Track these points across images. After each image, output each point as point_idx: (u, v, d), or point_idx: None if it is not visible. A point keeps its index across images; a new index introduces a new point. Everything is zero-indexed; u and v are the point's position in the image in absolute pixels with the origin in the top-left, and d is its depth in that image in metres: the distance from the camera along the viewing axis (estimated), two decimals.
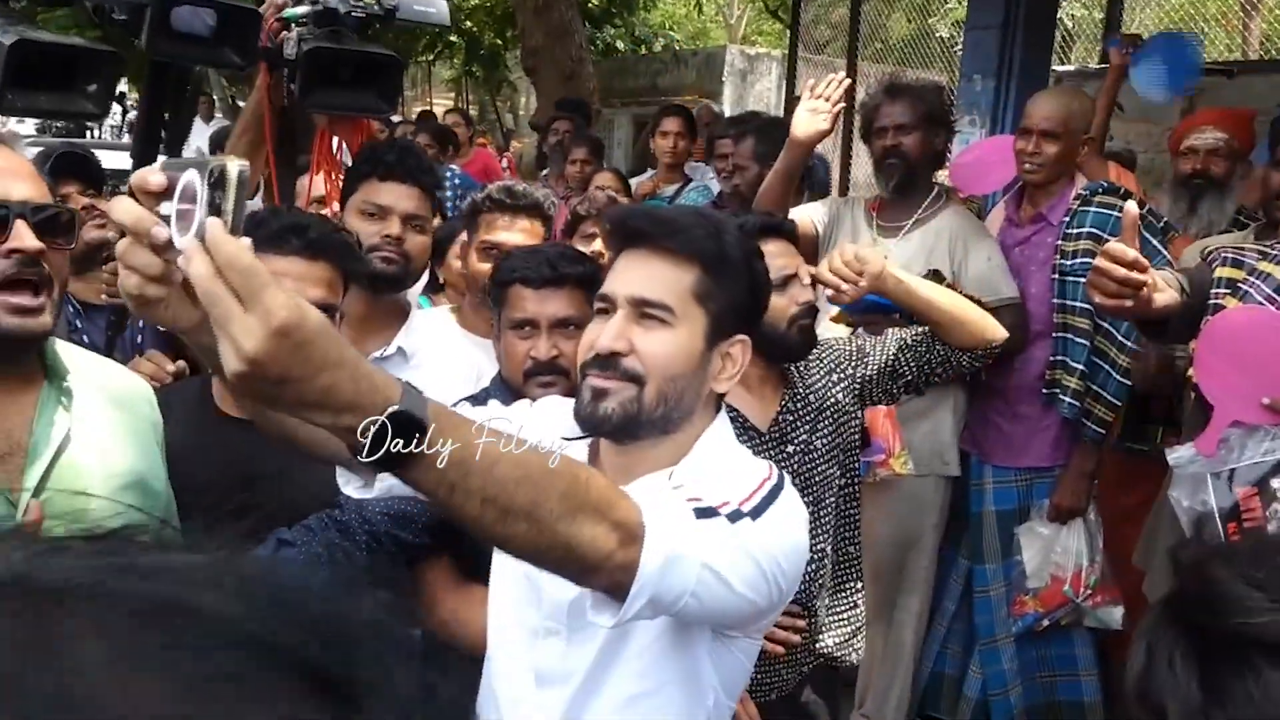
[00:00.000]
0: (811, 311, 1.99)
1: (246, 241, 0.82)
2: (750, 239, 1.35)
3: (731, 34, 17.59)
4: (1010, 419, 2.92)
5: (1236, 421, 2.02)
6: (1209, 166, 3.08)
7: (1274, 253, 2.13)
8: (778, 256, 1.93)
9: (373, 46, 1.88)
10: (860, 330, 2.73)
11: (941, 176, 3.17)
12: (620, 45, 12.78)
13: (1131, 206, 1.95)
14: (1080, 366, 2.74)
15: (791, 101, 9.46)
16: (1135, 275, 1.81)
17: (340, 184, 2.11)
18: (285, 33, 1.87)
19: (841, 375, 2.06)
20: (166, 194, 0.90)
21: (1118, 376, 2.72)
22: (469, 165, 5.99)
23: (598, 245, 2.60)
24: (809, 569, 1.91)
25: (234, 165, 0.84)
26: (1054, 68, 5.84)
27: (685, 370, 1.25)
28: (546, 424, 1.36)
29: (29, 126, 10.74)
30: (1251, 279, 2.09)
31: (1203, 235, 2.83)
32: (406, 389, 0.89)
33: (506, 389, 1.78)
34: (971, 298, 2.70)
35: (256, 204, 2.22)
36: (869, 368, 2.07)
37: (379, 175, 2.03)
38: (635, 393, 1.22)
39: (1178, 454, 2.11)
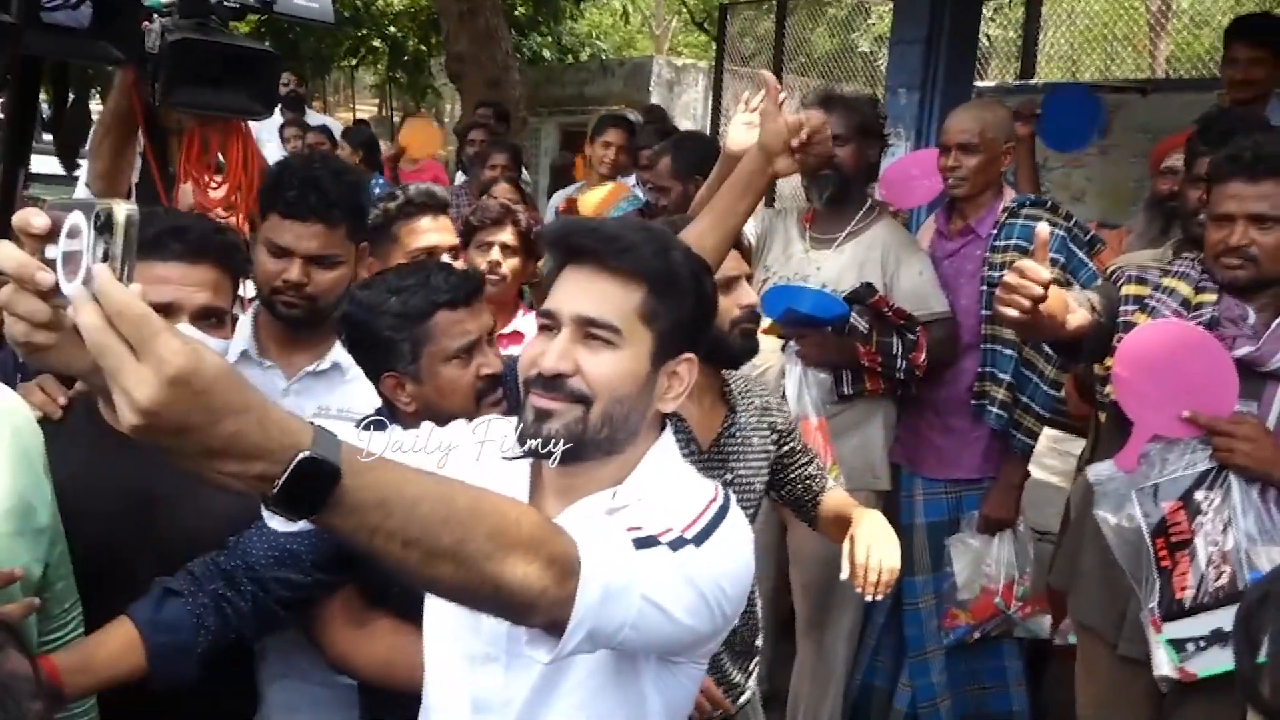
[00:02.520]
0: (754, 316, 1.97)
1: (137, 288, 0.78)
2: (696, 254, 1.31)
3: (658, 45, 17.65)
4: (941, 431, 2.93)
5: (1156, 436, 2.06)
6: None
7: (1175, 269, 2.17)
8: (729, 259, 1.91)
9: (246, 40, 1.72)
10: (791, 352, 2.73)
11: (873, 189, 3.19)
12: (547, 54, 12.72)
13: (1043, 227, 1.97)
14: (1007, 377, 2.77)
15: (718, 113, 9.53)
16: (1035, 289, 1.84)
17: (209, 190, 1.97)
18: (147, 23, 1.69)
19: (769, 422, 2.04)
20: (51, 236, 0.86)
21: (1045, 388, 2.75)
22: (419, 175, 5.87)
23: (495, 255, 2.55)
24: (746, 610, 1.90)
25: (121, 209, 0.81)
26: (975, 83, 5.96)
27: (631, 391, 1.22)
28: (488, 441, 1.32)
29: None
30: (1157, 294, 2.13)
31: None
32: (319, 433, 0.84)
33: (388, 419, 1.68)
34: (903, 312, 2.72)
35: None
36: (779, 449, 2.07)
37: (279, 212, 1.89)
38: (580, 414, 1.19)
39: (1098, 470, 2.14)
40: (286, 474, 0.81)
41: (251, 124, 2.01)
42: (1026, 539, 2.91)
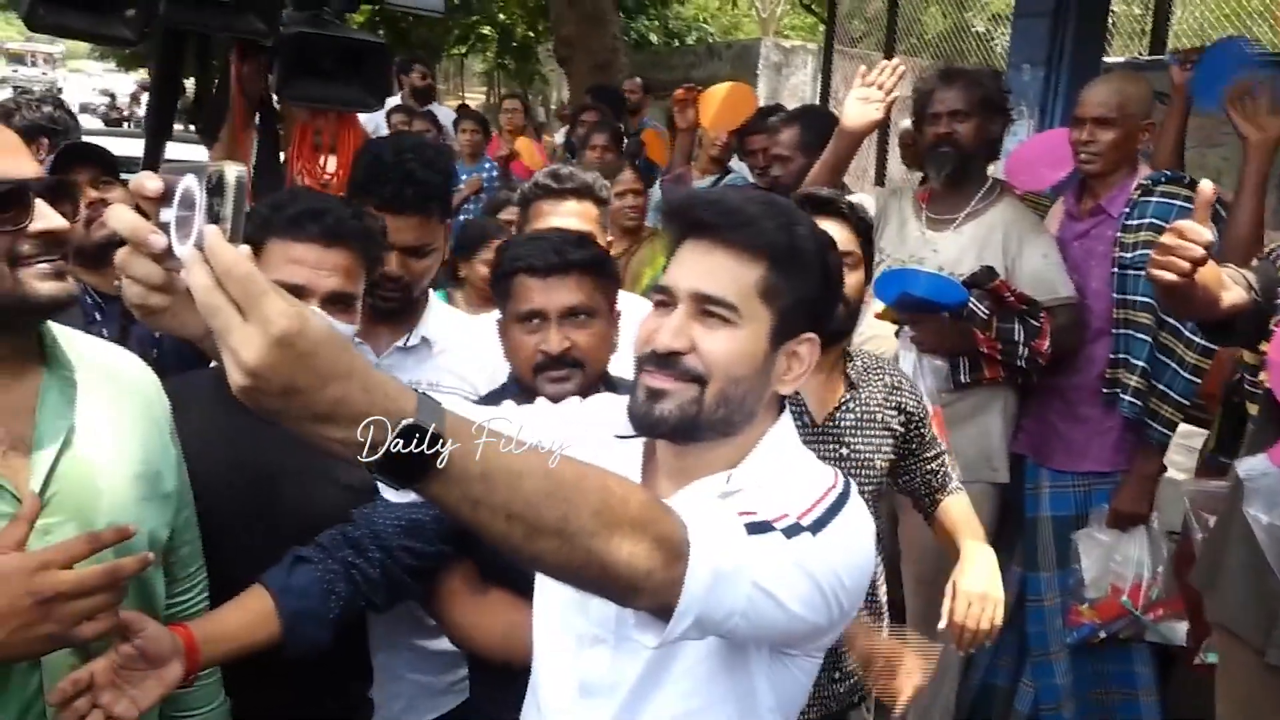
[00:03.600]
0: (851, 299, 1.90)
1: (245, 249, 0.78)
2: (823, 231, 1.24)
3: (764, 27, 17.43)
4: (1070, 421, 2.78)
5: None
6: None
7: None
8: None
9: (359, 33, 1.75)
10: (905, 337, 2.62)
11: (995, 169, 3.04)
12: (654, 38, 12.68)
13: (1206, 184, 1.81)
14: (1141, 364, 2.60)
15: (827, 95, 9.34)
16: (1196, 250, 1.68)
17: (320, 182, 1.96)
18: None
19: (896, 402, 1.98)
20: (165, 199, 0.88)
21: (1185, 375, 2.56)
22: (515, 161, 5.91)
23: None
24: (870, 599, 1.85)
25: (232, 170, 0.81)
26: (1106, 59, 5.68)
27: (748, 371, 1.16)
28: (596, 423, 1.28)
29: None
30: None
31: None
32: (422, 399, 0.82)
33: (520, 388, 1.68)
34: (1025, 297, 2.58)
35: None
36: (907, 430, 2.01)
37: (375, 205, 1.88)
38: (696, 394, 1.14)
39: (1249, 465, 1.98)
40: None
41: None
42: (1160, 537, 2.73)
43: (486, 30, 13.66)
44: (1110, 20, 9.03)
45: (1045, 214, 2.94)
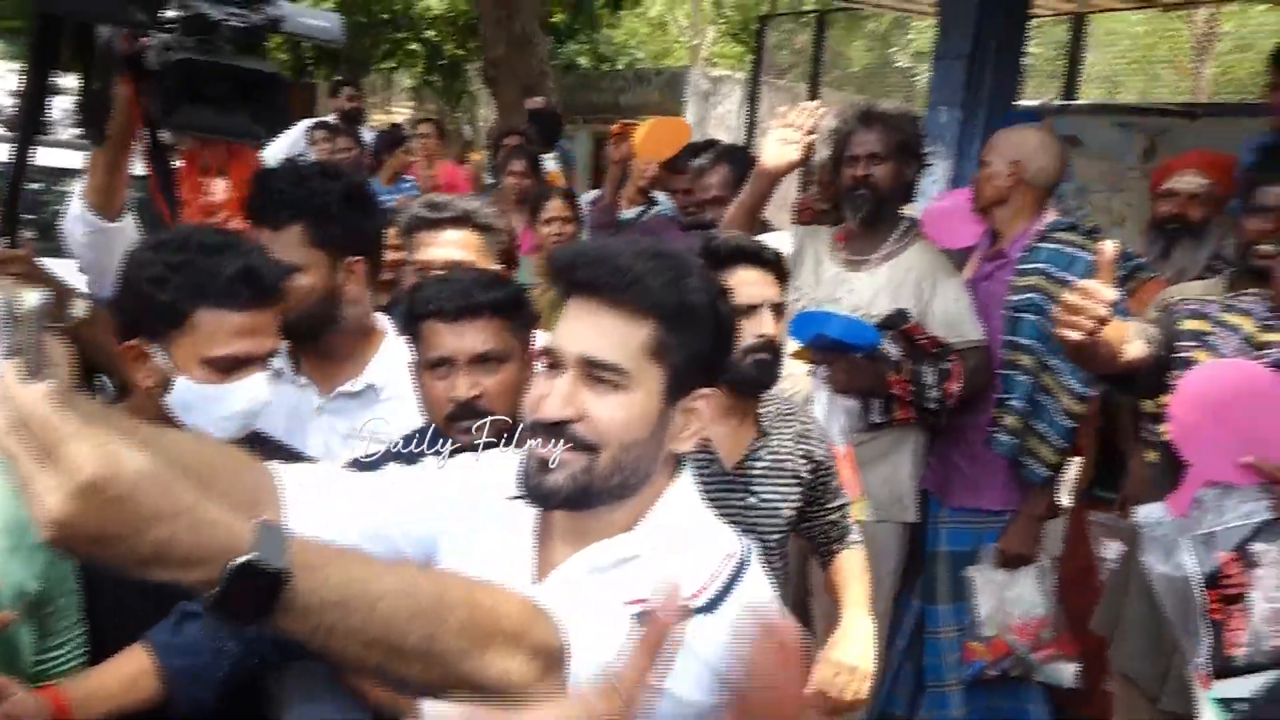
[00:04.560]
0: (770, 347, 1.89)
1: (46, 386, 0.71)
2: (714, 279, 1.21)
3: (694, 55, 17.59)
4: (968, 459, 2.82)
5: (1211, 481, 1.94)
6: (1187, 211, 3.01)
7: (1239, 304, 2.06)
8: (747, 285, 1.86)
9: (251, 61, 1.64)
10: (819, 378, 2.62)
11: (911, 210, 3.07)
12: (583, 61, 12.69)
13: (1109, 244, 1.86)
14: (1019, 404, 2.66)
15: (754, 125, 9.43)
16: (1099, 309, 1.74)
17: (207, 216, 1.86)
18: (145, 39, 1.62)
19: (805, 450, 1.97)
20: None
21: (1061, 418, 2.63)
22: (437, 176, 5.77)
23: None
24: None
25: (28, 298, 0.75)
26: (1018, 102, 5.84)
27: (642, 435, 1.12)
28: (489, 482, 1.23)
29: None
30: (1219, 331, 2.01)
31: (1175, 281, 2.76)
32: (263, 531, 0.76)
33: (442, 437, 1.61)
34: (937, 340, 2.61)
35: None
36: (815, 478, 2.00)
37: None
38: (587, 463, 1.10)
39: (1147, 514, 2.02)
40: (222, 583, 0.74)
41: None
42: (1048, 573, 2.77)
43: (415, 47, 13.52)
44: (1028, 63, 9.33)
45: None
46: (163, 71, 1.59)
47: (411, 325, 1.63)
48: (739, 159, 3.34)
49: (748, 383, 1.90)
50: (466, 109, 16.33)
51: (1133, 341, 1.97)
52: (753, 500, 1.89)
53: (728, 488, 1.88)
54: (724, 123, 10.78)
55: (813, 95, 8.37)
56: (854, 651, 1.87)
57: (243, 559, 0.74)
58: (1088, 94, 9.10)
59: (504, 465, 1.24)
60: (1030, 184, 2.74)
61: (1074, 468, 3.27)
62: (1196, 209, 3.02)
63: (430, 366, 1.60)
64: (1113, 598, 2.30)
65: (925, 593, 2.94)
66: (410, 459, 1.36)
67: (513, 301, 1.61)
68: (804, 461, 1.97)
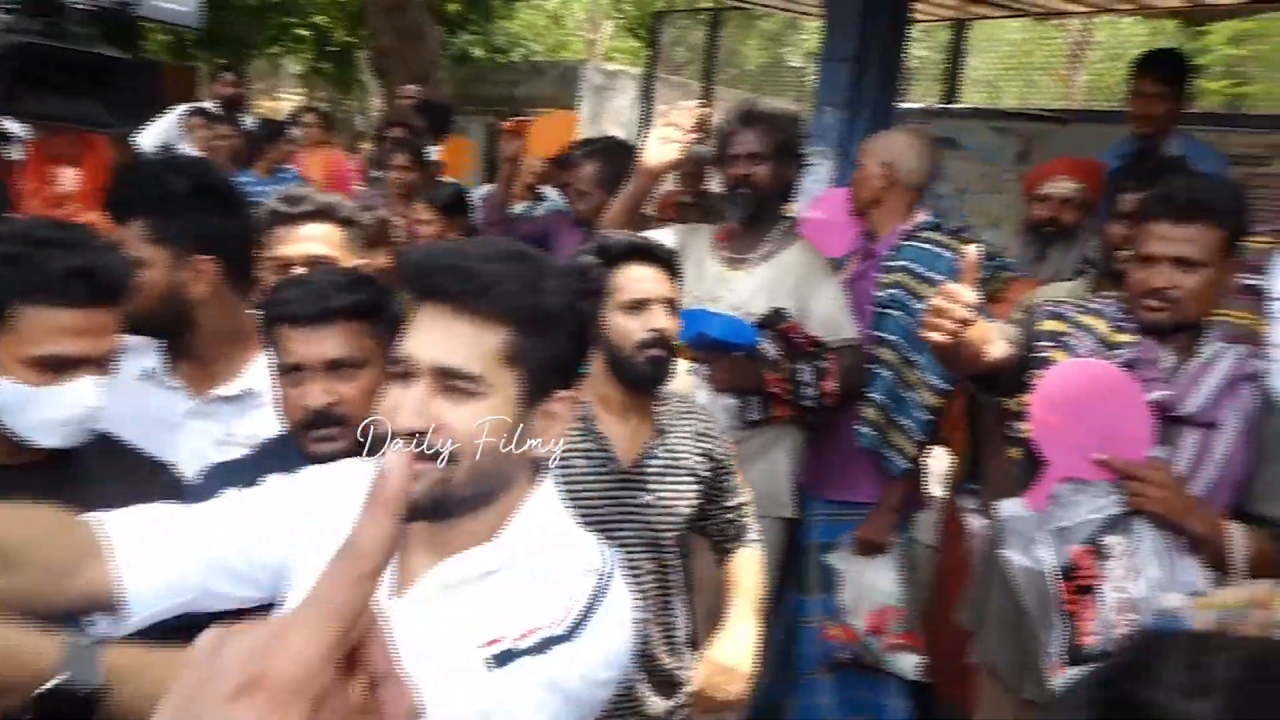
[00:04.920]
0: (663, 342, 1.89)
1: None
2: (574, 279, 1.20)
3: (591, 49, 17.54)
4: (840, 453, 2.88)
5: (1068, 477, 2.01)
6: (1060, 215, 3.11)
7: (1094, 306, 2.14)
8: (639, 281, 1.87)
9: (101, 46, 1.55)
10: (699, 376, 2.63)
11: (792, 209, 3.12)
12: (478, 53, 12.51)
13: (972, 250, 1.92)
14: (879, 397, 2.73)
15: (648, 120, 9.46)
16: (961, 312, 1.79)
17: (54, 207, 1.77)
18: None
19: (704, 448, 1.99)
20: None
21: (920, 412, 2.71)
22: (315, 168, 5.59)
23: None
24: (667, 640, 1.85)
25: None
26: (900, 104, 5.98)
27: (500, 442, 1.10)
28: (346, 492, 1.19)
29: None
30: (1075, 332, 2.09)
31: (1049, 281, 2.86)
32: (73, 651, 0.75)
33: (292, 448, 1.55)
34: (814, 339, 2.65)
35: None
36: (714, 477, 2.01)
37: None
38: (443, 474, 1.08)
39: (1007, 509, 2.08)
40: (35, 707, 0.73)
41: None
42: (905, 567, 2.85)
43: (302, 32, 13.13)
44: (911, 67, 9.56)
45: None
46: (3, 56, 1.49)
47: (267, 330, 1.56)
48: (614, 155, 3.33)
49: (642, 379, 1.90)
50: (359, 98, 15.96)
51: (995, 342, 2.03)
52: (649, 499, 1.89)
53: (623, 486, 1.88)
54: (618, 118, 10.78)
55: (706, 92, 8.44)
56: (734, 653, 1.89)
57: (53, 683, 0.72)
58: (971, 98, 9.38)
59: (357, 476, 1.21)
60: (903, 184, 2.81)
61: (947, 461, 3.38)
62: (1069, 213, 3.14)
63: (283, 373, 1.53)
64: (975, 591, 2.37)
65: (800, 584, 3.00)
66: (259, 476, 1.30)
67: (372, 304, 1.55)
68: (702, 459, 1.98)
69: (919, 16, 5.90)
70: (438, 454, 1.07)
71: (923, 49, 10.26)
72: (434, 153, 5.37)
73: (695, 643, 3.05)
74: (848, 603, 2.83)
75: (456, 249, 1.13)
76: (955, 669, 2.79)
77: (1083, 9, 5.95)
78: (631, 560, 1.81)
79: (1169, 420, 1.98)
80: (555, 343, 1.13)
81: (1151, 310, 1.99)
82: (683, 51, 12.87)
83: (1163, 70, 3.67)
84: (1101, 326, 2.08)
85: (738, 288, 2.76)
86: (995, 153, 5.43)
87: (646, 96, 9.53)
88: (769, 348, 2.59)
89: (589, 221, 3.22)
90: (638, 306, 1.86)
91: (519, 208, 4.48)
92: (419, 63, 7.78)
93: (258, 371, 1.83)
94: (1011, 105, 7.52)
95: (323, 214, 2.01)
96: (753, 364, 2.60)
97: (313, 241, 1.97)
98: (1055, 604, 2.00)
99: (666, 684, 1.94)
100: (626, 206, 2.55)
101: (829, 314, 2.71)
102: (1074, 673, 1.97)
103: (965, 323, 1.79)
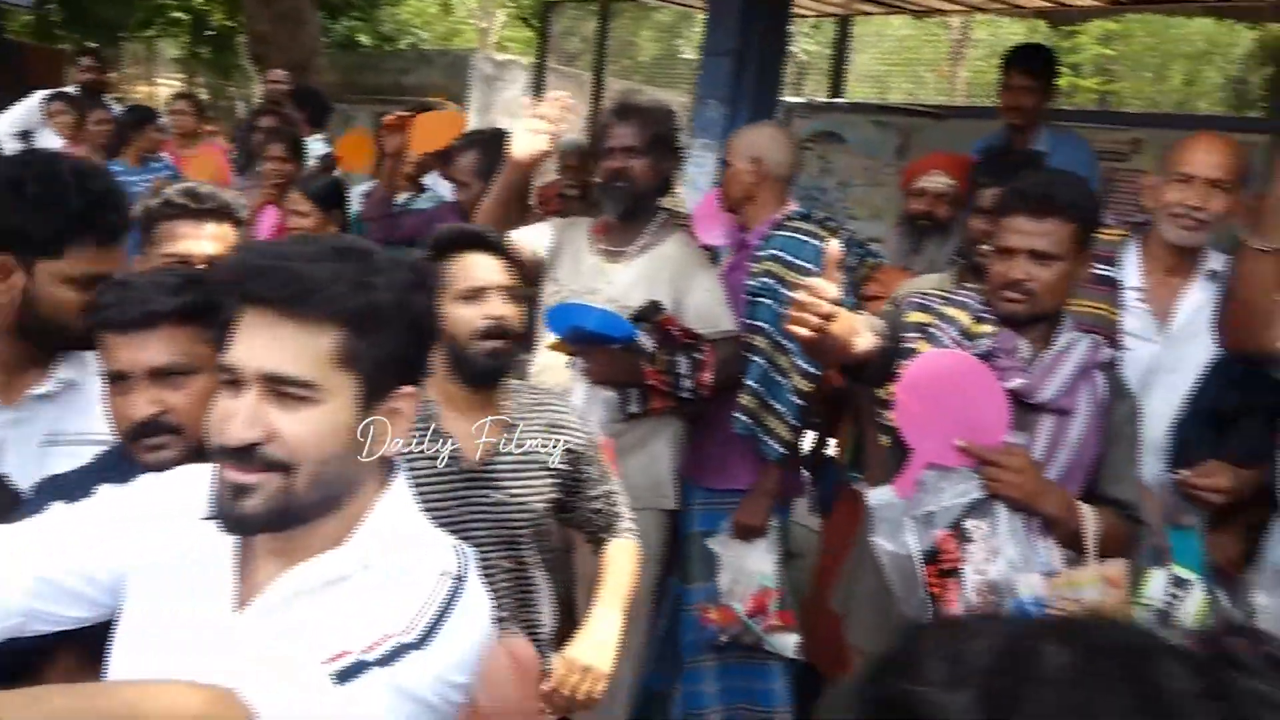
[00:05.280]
0: (502, 330, 1.85)
1: None
2: (410, 272, 1.15)
3: (484, 38, 17.32)
4: (718, 442, 2.90)
5: (933, 464, 2.06)
6: (935, 210, 3.19)
7: (956, 298, 2.20)
8: (474, 269, 1.84)
9: None
10: (577, 370, 2.62)
11: (670, 202, 3.13)
12: (364, 40, 12.23)
13: (833, 245, 1.94)
14: (753, 384, 2.76)
15: None
16: (824, 306, 1.81)
17: None
18: None
19: (559, 440, 1.95)
20: None
21: (792, 396, 2.75)
22: (194, 161, 5.35)
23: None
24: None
25: None
26: (786, 98, 6.06)
27: (341, 447, 1.07)
28: (184, 500, 1.14)
29: None
30: (939, 323, 2.14)
31: (924, 274, 2.93)
32: None
33: (125, 456, 1.46)
34: (690, 331, 2.66)
35: None
36: (573, 469, 1.99)
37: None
38: (283, 483, 1.04)
39: (876, 496, 2.12)
40: None
41: None
42: (780, 550, 2.89)
43: (179, 14, 12.63)
44: (806, 59, 9.69)
45: None
46: None
47: (93, 335, 1.47)
48: (493, 145, 3.29)
49: (483, 371, 1.86)
50: (241, 84, 15.43)
51: (862, 334, 2.06)
52: (499, 496, 1.86)
53: (471, 484, 1.84)
54: (509, 108, 10.67)
55: (598, 83, 8.41)
56: (591, 651, 1.86)
57: None
58: (861, 93, 9.57)
59: (194, 483, 1.16)
60: (772, 177, 2.85)
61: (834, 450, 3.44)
62: (943, 207, 3.21)
63: (110, 381, 1.44)
64: (850, 577, 2.41)
65: (683, 573, 3.02)
66: (93, 487, 1.23)
67: (203, 306, 1.44)
68: (558, 452, 1.95)
69: (801, 12, 5.98)
70: (275, 463, 1.03)
71: (813, 44, 10.43)
72: (318, 143, 5.23)
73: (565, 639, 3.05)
74: (727, 586, 2.87)
75: (278, 250, 1.08)
76: (837, 650, 2.85)
77: (956, 8, 6.12)
78: (486, 560, 1.78)
79: (1026, 407, 2.05)
80: (391, 340, 1.09)
81: (1009, 302, 2.06)
82: (577, 42, 12.81)
83: (1031, 65, 3.80)
84: (964, 318, 2.13)
85: (615, 280, 2.75)
86: (876, 147, 5.55)
87: (538, 87, 9.45)
88: (646, 340, 2.59)
89: (469, 213, 3.17)
90: (474, 295, 1.82)
91: (401, 198, 4.40)
92: (298, 49, 7.55)
93: (74, 362, 1.73)
94: (891, 100, 7.71)
95: (224, 213, 1.95)
96: (630, 357, 2.59)
97: (214, 241, 1.91)
98: (920, 587, 2.05)
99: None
100: (499, 198, 2.52)
101: (705, 306, 2.73)
102: None
103: (828, 317, 1.82)
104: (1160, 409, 2.38)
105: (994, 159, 2.96)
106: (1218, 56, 13.54)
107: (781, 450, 2.78)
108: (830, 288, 1.81)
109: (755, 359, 2.76)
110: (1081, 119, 5.53)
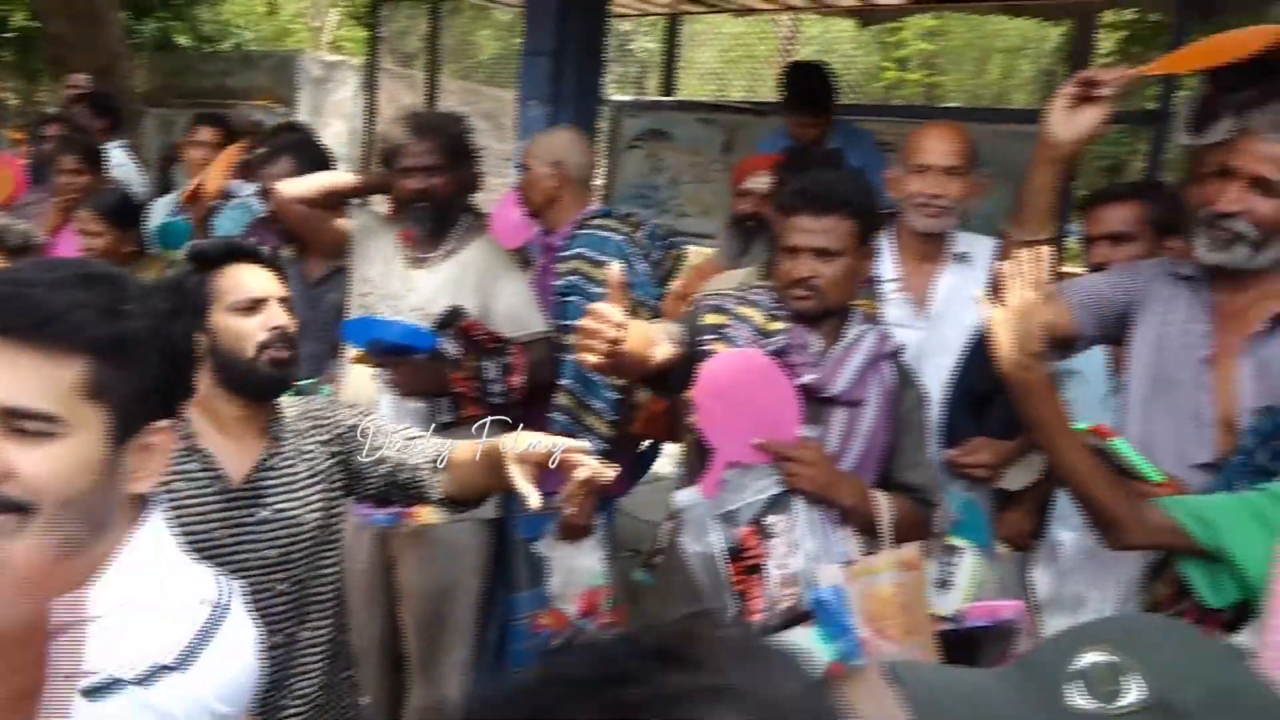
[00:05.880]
0: (287, 340, 1.77)
1: None
2: (167, 299, 1.08)
3: (317, 39, 16.78)
4: None
5: (734, 462, 2.08)
6: (761, 209, 3.22)
7: (750, 297, 2.22)
8: (248, 280, 1.76)
9: None
10: (382, 381, 2.54)
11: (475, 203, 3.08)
12: (182, 41, 11.65)
13: (614, 268, 1.92)
14: (568, 382, 2.76)
15: (373, 113, 9.14)
16: (610, 332, 1.80)
17: None
18: None
19: (320, 438, 1.86)
20: None
21: (609, 392, 2.76)
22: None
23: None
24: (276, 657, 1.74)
25: None
26: (614, 97, 6.08)
27: (88, 485, 1.00)
28: None
29: None
30: (734, 323, 2.16)
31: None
32: None
33: None
34: (495, 334, 2.61)
35: None
36: (344, 455, 1.86)
37: None
38: (19, 524, 0.96)
39: (682, 497, 2.13)
40: None
41: None
42: (608, 547, 2.90)
43: None
44: (646, 56, 9.73)
45: None
46: None
47: None
48: (305, 150, 3.19)
49: (266, 383, 1.77)
50: (50, 89, 14.48)
51: (660, 344, 2.06)
52: (265, 514, 1.76)
53: (235, 505, 1.74)
54: (341, 110, 10.38)
55: (431, 83, 8.25)
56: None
57: None
58: (697, 90, 9.68)
59: None
60: (574, 179, 2.84)
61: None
62: (768, 207, 3.25)
63: None
64: (662, 576, 2.41)
65: (507, 582, 2.98)
66: None
67: None
68: (322, 451, 1.84)
69: (621, 11, 6.00)
70: (14, 504, 0.96)
71: (653, 42, 10.50)
72: (119, 151, 4.93)
73: (398, 661, 2.96)
74: (557, 589, 2.83)
75: (17, 276, 1.01)
76: None
77: (774, 7, 6.27)
78: (258, 583, 1.70)
79: (819, 401, 2.09)
80: (146, 370, 1.03)
81: (798, 299, 2.09)
82: (415, 41, 12.54)
83: (810, 108, 3.81)
84: (757, 316, 2.16)
85: (420, 286, 2.69)
86: (703, 144, 5.62)
87: (370, 88, 9.21)
88: (449, 347, 2.53)
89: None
90: (254, 307, 1.74)
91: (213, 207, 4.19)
92: (100, 52, 7.11)
93: None
94: (727, 98, 7.83)
95: None
96: (435, 366, 2.54)
97: None
98: (726, 585, 2.06)
99: (315, 707, 1.83)
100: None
101: (513, 309, 2.69)
102: None
103: (616, 341, 1.80)
104: (931, 391, 2.47)
105: (796, 157, 3.01)
106: (1030, 51, 14.32)
107: (604, 446, 2.76)
108: (615, 312, 1.80)
109: (569, 358, 2.74)
110: (910, 115, 5.75)
